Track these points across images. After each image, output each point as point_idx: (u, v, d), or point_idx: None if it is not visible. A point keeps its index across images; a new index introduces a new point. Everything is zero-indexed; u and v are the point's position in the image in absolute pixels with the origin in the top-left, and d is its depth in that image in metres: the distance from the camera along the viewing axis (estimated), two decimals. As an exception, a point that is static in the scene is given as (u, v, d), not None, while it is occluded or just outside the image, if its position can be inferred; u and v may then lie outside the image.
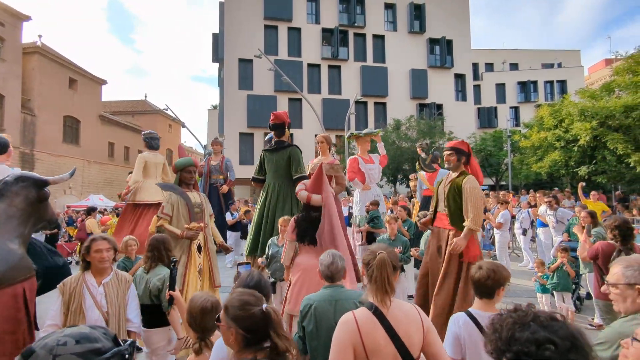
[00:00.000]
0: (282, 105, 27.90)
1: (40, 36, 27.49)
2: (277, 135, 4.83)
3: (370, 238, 6.22)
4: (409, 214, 7.42)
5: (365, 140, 6.80)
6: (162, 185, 4.48)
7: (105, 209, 15.17)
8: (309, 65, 28.97)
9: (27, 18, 25.35)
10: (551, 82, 36.03)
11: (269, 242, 4.32)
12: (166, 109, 23.67)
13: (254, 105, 27.18)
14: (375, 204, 6.77)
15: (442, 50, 31.16)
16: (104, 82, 33.26)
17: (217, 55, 30.34)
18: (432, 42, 31.19)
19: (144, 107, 42.78)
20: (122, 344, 0.89)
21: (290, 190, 4.73)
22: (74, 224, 12.71)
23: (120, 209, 9.90)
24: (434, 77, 30.88)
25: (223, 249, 4.36)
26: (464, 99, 31.81)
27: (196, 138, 23.44)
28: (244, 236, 8.31)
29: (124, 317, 2.56)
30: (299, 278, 3.29)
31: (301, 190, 3.56)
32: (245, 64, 27.32)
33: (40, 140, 25.88)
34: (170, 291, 2.65)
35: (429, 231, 4.95)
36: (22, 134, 24.13)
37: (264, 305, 1.44)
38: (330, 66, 29.50)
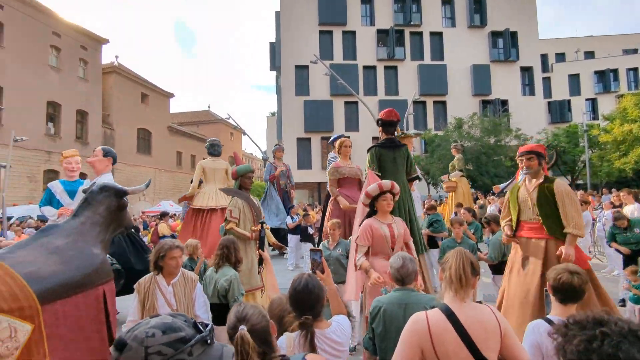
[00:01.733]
0: (339, 109, 27.98)
1: (117, 57, 30.22)
2: (390, 133, 4.67)
3: (430, 242, 5.94)
4: (474, 216, 6.98)
5: (410, 140, 6.54)
6: (226, 190, 4.68)
7: (175, 214, 16.11)
8: (365, 67, 28.78)
9: (106, 41, 27.98)
10: (635, 69, 32.41)
11: (320, 246, 4.30)
12: (228, 118, 24.73)
13: (311, 110, 27.55)
14: (433, 207, 6.44)
15: (505, 43, 29.37)
16: (171, 95, 35.71)
17: (275, 63, 31.23)
18: (495, 35, 29.52)
19: (208, 117, 45.24)
20: (201, 329, 0.92)
21: (408, 188, 4.61)
22: (148, 228, 13.66)
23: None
24: (498, 71, 29.17)
25: (277, 248, 4.56)
26: (532, 93, 29.66)
27: (256, 145, 24.22)
28: (303, 239, 8.38)
29: (192, 314, 2.71)
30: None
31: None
32: (302, 70, 27.81)
33: (118, 151, 28.19)
34: (259, 250, 2.97)
35: (498, 237, 4.59)
36: (100, 144, 26.54)
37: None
38: (386, 67, 29.08)
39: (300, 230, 8.67)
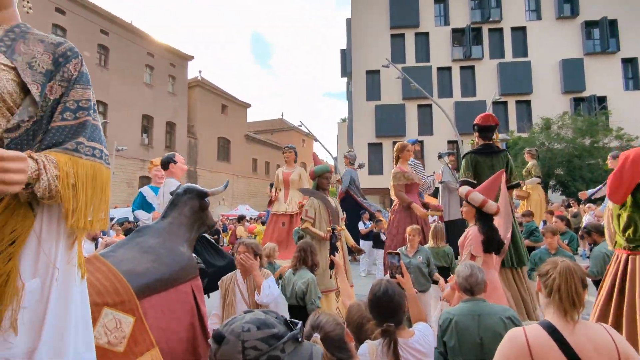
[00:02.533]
0: (411, 113, 27.28)
1: (200, 71, 32.83)
2: (487, 139, 4.45)
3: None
4: (568, 225, 6.27)
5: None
6: (303, 190, 4.74)
7: (251, 218, 16.87)
8: (439, 68, 27.74)
9: (191, 58, 30.48)
10: None
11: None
12: (300, 125, 25.42)
13: (382, 115, 27.22)
14: (530, 214, 5.88)
15: (602, 34, 26.30)
16: (248, 105, 37.73)
17: (345, 69, 31.47)
18: (589, 25, 26.59)
19: (281, 125, 46.96)
20: (292, 326, 0.94)
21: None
22: (227, 230, 14.47)
23: (262, 217, 10.83)
24: (593, 65, 26.19)
25: (355, 251, 4.61)
26: (637, 87, 26.13)
27: (327, 151, 24.49)
28: (376, 245, 8.23)
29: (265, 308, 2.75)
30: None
31: (472, 193, 3.24)
32: (373, 75, 27.64)
33: (201, 159, 30.60)
34: (331, 256, 2.96)
35: (602, 249, 4.04)
36: (188, 154, 28.86)
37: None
38: (462, 67, 27.72)
39: (373, 237, 8.52)
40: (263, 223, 10.57)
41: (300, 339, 0.92)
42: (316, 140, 26.62)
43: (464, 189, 3.33)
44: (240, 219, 11.09)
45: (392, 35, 28.19)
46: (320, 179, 4.26)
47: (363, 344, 1.76)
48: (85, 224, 1.08)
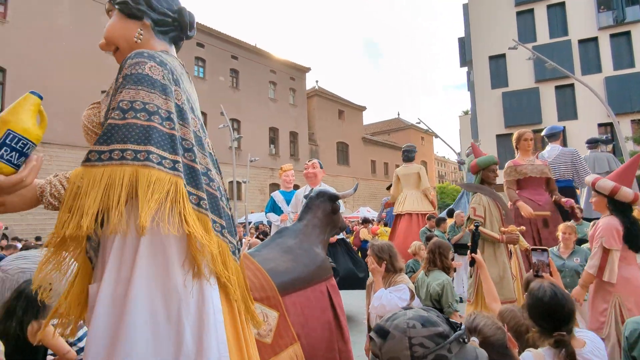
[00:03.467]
0: (548, 97, 23.98)
1: (317, 81, 34.46)
2: None
3: None
4: None
5: None
6: (467, 185, 4.36)
7: (373, 220, 16.93)
8: (581, 41, 23.81)
9: (309, 70, 32.23)
10: None
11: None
12: (418, 123, 24.64)
13: (511, 102, 24.56)
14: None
15: None
16: (364, 108, 38.15)
17: (465, 58, 29.40)
18: None
19: (398, 124, 46.25)
20: (455, 326, 0.91)
21: None
22: (351, 232, 14.77)
23: (383, 219, 10.70)
24: None
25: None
26: None
27: (449, 146, 23.19)
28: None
29: None
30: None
31: (600, 179, 2.75)
32: (497, 60, 25.20)
33: (322, 164, 32.02)
34: (473, 254, 2.69)
35: None
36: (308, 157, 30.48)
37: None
38: (612, 35, 23.29)
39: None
40: (385, 224, 10.48)
41: (465, 340, 0.89)
42: (436, 136, 25.40)
43: (591, 177, 2.89)
44: (364, 221, 11.22)
45: (518, 13, 25.27)
46: (486, 171, 3.69)
47: (525, 352, 1.56)
48: (79, 229, 0.97)
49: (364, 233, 10.87)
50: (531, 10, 25.07)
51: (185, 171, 1.10)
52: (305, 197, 3.13)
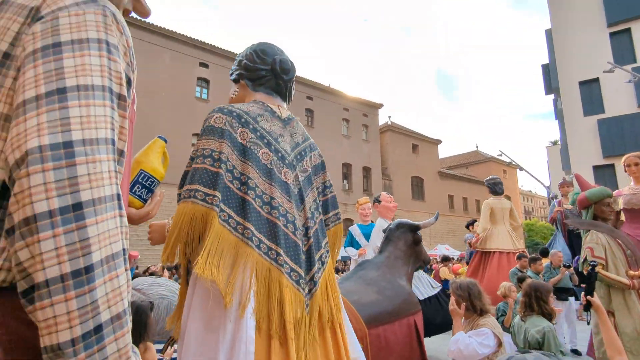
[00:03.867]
0: (654, 122, 21.23)
1: (389, 116, 34.61)
2: None
3: None
4: None
5: None
6: (579, 222, 3.79)
7: (453, 258, 15.97)
8: (692, 59, 21.04)
9: (381, 106, 32.54)
10: None
11: None
12: (499, 155, 23.19)
13: (609, 130, 22.13)
14: None
15: None
16: (439, 141, 37.13)
17: (550, 85, 27.48)
18: None
19: (477, 157, 44.06)
20: None
21: None
22: (429, 270, 14.02)
23: (464, 258, 10.03)
24: None
25: None
26: None
27: (536, 179, 21.33)
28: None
29: None
30: None
31: None
32: (589, 86, 23.14)
33: (396, 199, 31.26)
34: (588, 296, 2.33)
35: None
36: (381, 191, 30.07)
37: None
38: None
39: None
40: (467, 263, 9.80)
41: None
42: (521, 168, 23.59)
43: None
44: (445, 259, 10.61)
45: (612, 34, 23.25)
46: (599, 206, 3.24)
47: None
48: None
49: (444, 272, 10.26)
50: (627, 30, 22.94)
51: (234, 202, 1.27)
52: (384, 230, 3.06)
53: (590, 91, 23.29)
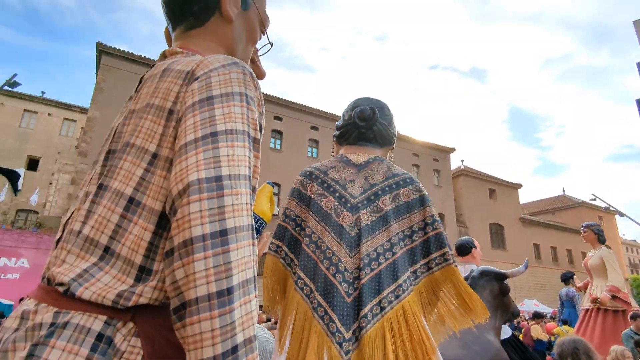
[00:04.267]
0: None
1: (462, 161, 33.20)
2: None
3: None
4: None
5: None
6: None
7: (545, 315, 14.17)
8: None
9: (453, 150, 31.55)
10: None
11: None
12: (593, 199, 20.81)
13: None
14: None
15: None
16: (519, 186, 34.56)
17: (648, 122, 24.68)
18: None
19: (564, 202, 40.10)
20: None
21: None
22: (516, 329, 12.49)
23: (555, 316, 8.81)
24: None
25: None
26: None
27: (641, 226, 18.63)
28: None
29: None
30: None
31: None
32: (698, 119, 20.35)
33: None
34: None
35: None
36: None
37: None
38: None
39: None
40: (565, 322, 8.56)
41: None
42: (621, 214, 20.85)
43: None
44: (537, 316, 9.42)
45: None
46: None
47: None
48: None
49: (536, 331, 9.06)
50: None
51: (290, 242, 1.53)
52: (466, 278, 2.77)
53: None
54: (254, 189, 0.68)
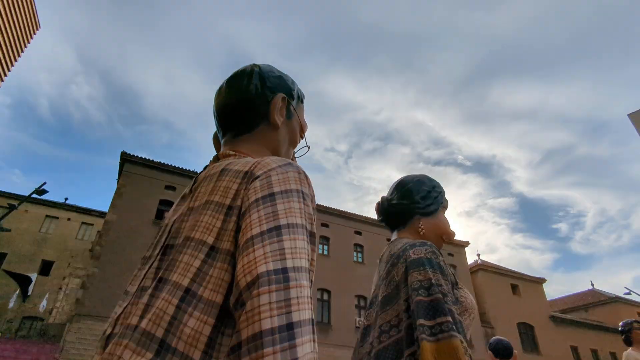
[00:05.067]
0: None
1: (478, 255, 32.15)
2: None
3: None
4: None
5: None
6: None
7: None
8: None
9: (467, 244, 30.83)
10: None
11: None
12: (627, 294, 19.41)
13: None
14: None
15: None
16: (543, 280, 32.71)
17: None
18: None
19: (596, 297, 37.36)
20: None
21: None
22: None
23: None
24: None
25: None
26: None
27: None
28: None
29: None
30: None
31: None
32: None
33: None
34: None
35: None
36: (484, 345, 25.82)
37: None
38: None
39: None
40: None
41: None
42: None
43: None
44: None
45: None
46: None
47: None
48: None
49: None
50: None
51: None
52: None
53: None
54: (311, 282, 0.69)
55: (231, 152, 0.90)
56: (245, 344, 0.54)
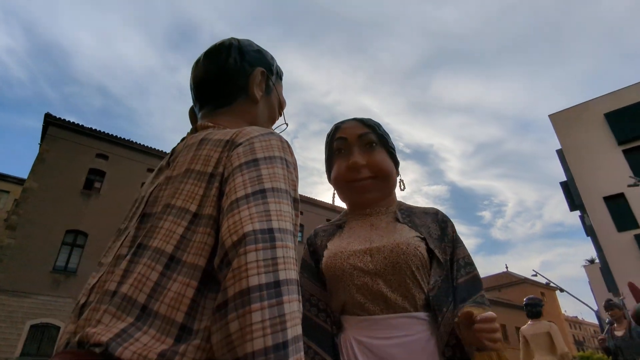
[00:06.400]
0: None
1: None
2: None
3: None
4: None
5: None
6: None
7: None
8: None
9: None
10: None
11: None
12: (534, 275, 21.77)
13: (650, 245, 20.99)
14: None
15: None
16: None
17: (574, 202, 27.27)
18: None
19: (508, 279, 41.62)
20: None
21: None
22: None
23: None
24: None
25: None
26: None
27: (582, 302, 19.52)
28: None
29: None
30: None
31: None
32: (616, 201, 22.86)
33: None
34: None
35: None
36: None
37: None
38: None
39: None
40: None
41: None
42: (561, 290, 21.86)
43: None
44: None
45: (626, 151, 23.89)
46: None
47: None
48: None
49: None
50: (638, 147, 23.57)
51: None
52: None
53: (619, 207, 22.96)
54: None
55: (210, 124, 0.89)
56: (232, 300, 0.53)
